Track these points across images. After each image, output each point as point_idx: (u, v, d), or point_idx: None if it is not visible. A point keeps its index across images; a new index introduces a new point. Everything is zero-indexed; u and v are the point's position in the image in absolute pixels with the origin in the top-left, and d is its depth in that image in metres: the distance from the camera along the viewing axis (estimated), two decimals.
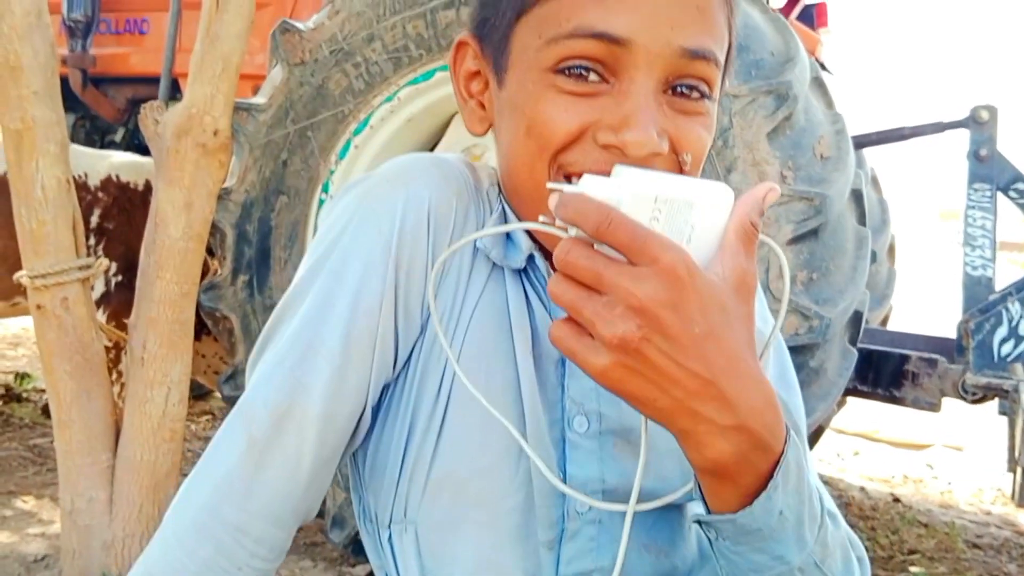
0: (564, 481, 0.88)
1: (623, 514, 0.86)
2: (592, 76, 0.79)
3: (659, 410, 0.68)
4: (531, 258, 0.90)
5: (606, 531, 0.91)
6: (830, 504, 0.89)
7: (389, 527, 0.91)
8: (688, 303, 0.64)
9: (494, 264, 0.90)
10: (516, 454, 0.88)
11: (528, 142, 0.82)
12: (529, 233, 0.90)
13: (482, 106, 0.93)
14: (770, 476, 0.71)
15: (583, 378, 0.89)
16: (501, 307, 0.90)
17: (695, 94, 0.81)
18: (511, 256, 0.90)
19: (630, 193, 0.66)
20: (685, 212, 0.67)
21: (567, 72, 0.79)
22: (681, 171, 0.82)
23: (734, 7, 0.85)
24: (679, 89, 0.80)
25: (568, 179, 0.81)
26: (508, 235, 0.91)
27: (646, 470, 0.85)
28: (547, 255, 0.90)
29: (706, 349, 0.66)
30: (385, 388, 0.90)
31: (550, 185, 0.70)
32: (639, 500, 0.83)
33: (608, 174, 0.73)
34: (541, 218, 0.71)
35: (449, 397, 0.88)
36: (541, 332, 0.90)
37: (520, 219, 0.90)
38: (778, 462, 0.71)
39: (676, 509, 0.95)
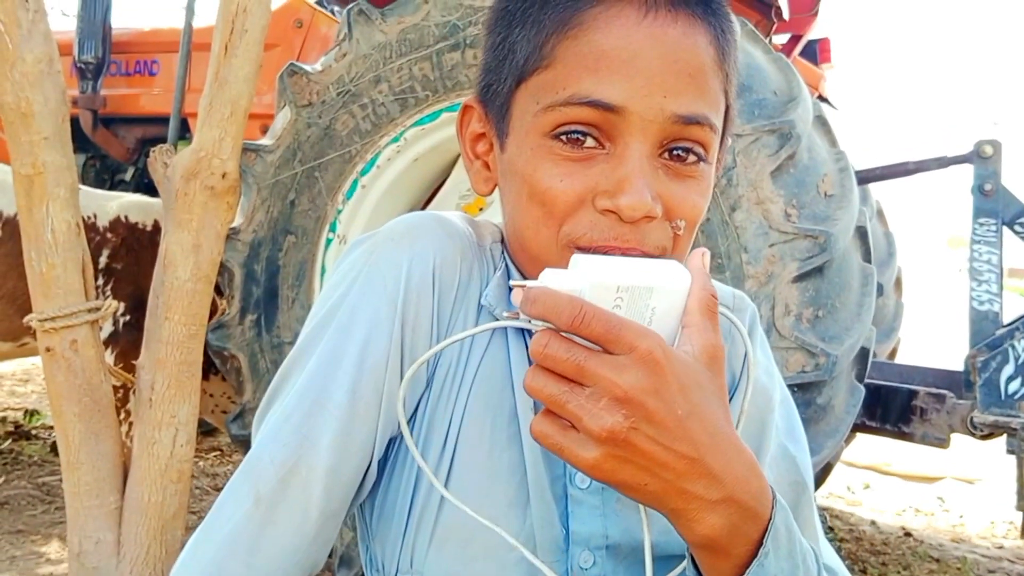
0: (567, 535, 0.89)
1: (626, 570, 0.87)
2: (588, 141, 0.81)
3: (650, 493, 0.69)
4: None
5: None
6: (829, 558, 0.90)
7: None
8: (669, 386, 0.66)
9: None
10: (522, 506, 0.89)
11: (532, 208, 0.84)
12: None
13: (487, 167, 0.95)
14: (760, 543, 0.72)
15: None
16: (504, 363, 0.91)
17: (691, 157, 0.83)
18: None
19: (591, 283, 0.69)
20: (645, 297, 0.70)
21: (564, 138, 0.82)
22: (675, 236, 0.84)
23: (729, 74, 0.87)
24: (675, 152, 0.82)
25: (580, 250, 0.82)
26: (511, 291, 0.92)
27: (649, 524, 0.86)
28: None
29: (690, 428, 0.67)
30: (391, 441, 0.91)
31: (512, 283, 0.73)
32: (634, 554, 0.86)
33: (608, 249, 0.79)
34: (505, 313, 0.74)
35: (455, 450, 0.89)
36: None
37: (523, 274, 0.92)
38: (767, 528, 0.73)
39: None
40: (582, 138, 0.81)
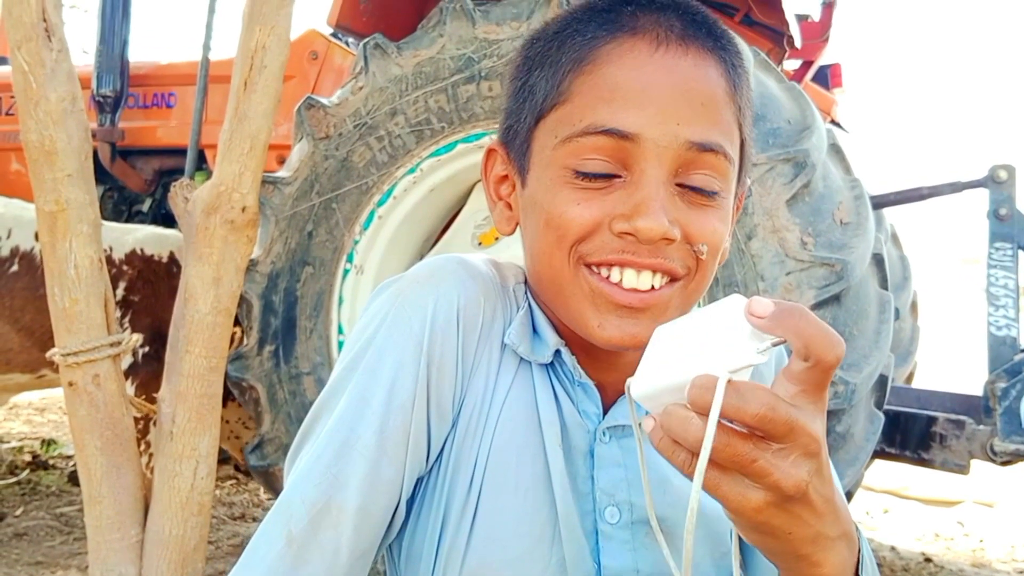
0: (599, 572, 0.91)
1: None
2: (605, 171, 0.84)
3: (788, 540, 0.70)
4: (557, 353, 0.93)
5: None
6: None
7: None
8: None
9: (521, 359, 0.93)
10: (549, 543, 0.90)
11: (547, 234, 0.87)
12: (555, 328, 0.93)
13: (509, 207, 0.98)
14: (857, 569, 0.76)
15: (612, 468, 0.92)
16: (529, 401, 0.93)
17: (708, 187, 0.85)
18: (538, 351, 0.93)
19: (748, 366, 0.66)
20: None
21: (582, 169, 0.84)
22: (697, 261, 0.86)
23: (743, 107, 0.90)
24: (690, 187, 0.84)
25: (589, 268, 0.85)
26: (535, 330, 0.94)
27: (678, 560, 0.87)
28: (574, 348, 0.93)
29: (829, 472, 0.70)
30: (419, 481, 0.92)
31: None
32: None
33: (623, 264, 0.81)
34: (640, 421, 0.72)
35: (481, 488, 0.90)
36: (569, 425, 0.93)
37: (545, 313, 0.94)
38: (859, 553, 0.76)
39: None
40: (599, 168, 0.84)
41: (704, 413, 0.63)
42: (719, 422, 0.63)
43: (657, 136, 0.81)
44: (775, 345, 0.65)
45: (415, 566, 0.93)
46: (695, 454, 0.64)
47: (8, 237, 3.31)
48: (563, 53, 0.88)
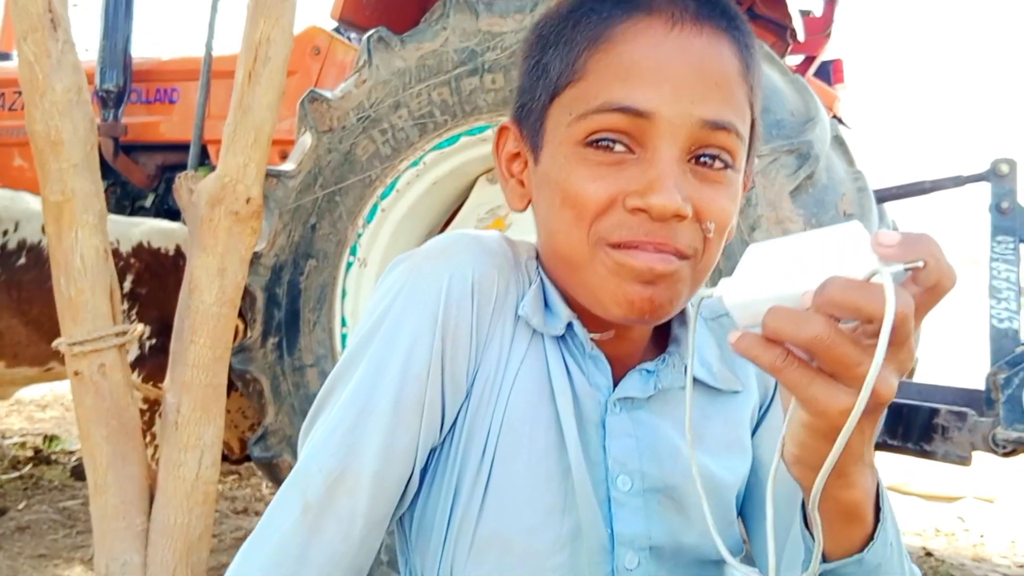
0: (612, 538, 0.92)
1: (670, 571, 0.91)
2: (619, 147, 0.85)
3: (848, 453, 0.71)
4: (570, 326, 0.94)
5: None
6: None
7: None
8: None
9: (534, 332, 0.94)
10: (561, 511, 0.91)
11: (564, 212, 0.87)
12: (567, 302, 0.94)
13: (521, 184, 0.99)
14: (877, 511, 0.77)
15: (623, 439, 0.94)
16: (542, 372, 0.94)
17: (718, 163, 0.86)
18: (551, 323, 0.94)
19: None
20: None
21: (596, 144, 0.85)
22: (705, 239, 0.86)
23: (755, 87, 0.90)
24: (702, 159, 0.85)
25: (612, 247, 0.85)
26: (547, 303, 0.95)
27: (689, 528, 0.91)
28: (585, 323, 0.94)
29: None
30: (432, 452, 0.94)
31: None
32: (676, 555, 0.92)
33: (639, 245, 0.82)
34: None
35: (494, 458, 0.92)
36: (581, 396, 0.94)
37: (559, 289, 0.95)
38: (878, 493, 0.78)
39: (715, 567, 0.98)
40: (613, 144, 0.85)
41: (840, 314, 0.62)
42: (828, 318, 0.62)
43: (671, 114, 0.82)
44: (907, 270, 0.64)
45: (427, 537, 0.94)
46: (791, 355, 0.65)
47: (16, 230, 3.32)
48: (578, 32, 0.88)
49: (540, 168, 0.93)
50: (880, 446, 2.93)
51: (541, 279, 0.97)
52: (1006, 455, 2.64)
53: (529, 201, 0.98)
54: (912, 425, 2.84)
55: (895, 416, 2.87)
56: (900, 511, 4.56)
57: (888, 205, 4.00)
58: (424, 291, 0.90)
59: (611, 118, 0.84)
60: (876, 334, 0.60)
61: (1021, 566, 4.17)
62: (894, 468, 4.91)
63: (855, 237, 0.65)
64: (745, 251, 0.71)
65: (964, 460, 2.74)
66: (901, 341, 0.63)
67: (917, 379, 4.26)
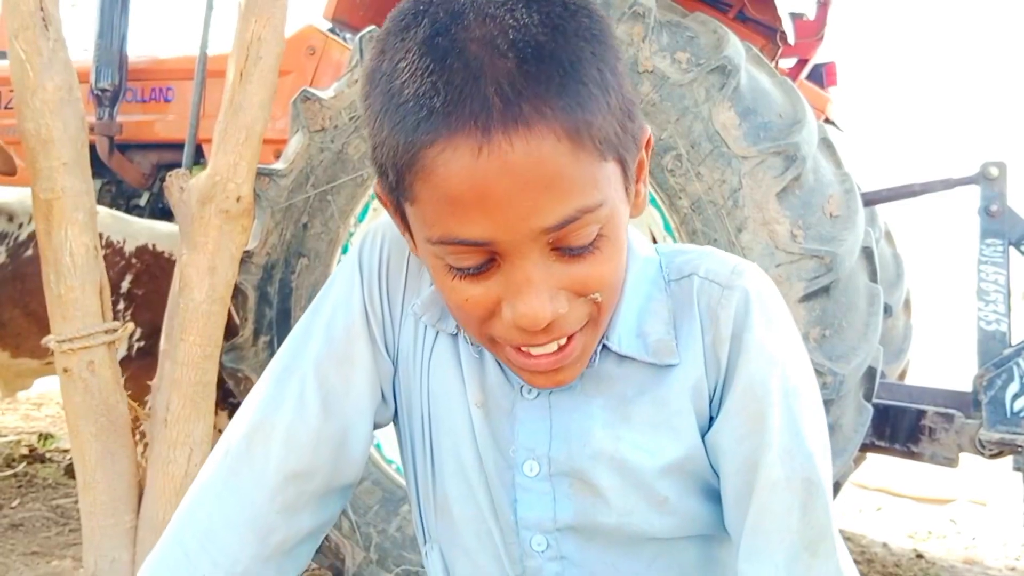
0: (516, 521, 0.97)
1: (586, 551, 0.96)
2: (480, 260, 0.81)
3: None
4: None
5: (572, 567, 0.97)
6: (848, 570, 0.90)
7: (425, 545, 1.06)
8: None
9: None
10: (484, 488, 0.99)
11: (452, 310, 0.89)
12: None
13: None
14: None
15: (535, 423, 0.96)
16: (455, 360, 1.00)
17: (582, 245, 0.81)
18: (446, 323, 0.99)
19: None
20: None
21: (457, 264, 0.82)
22: (596, 305, 0.84)
23: (602, 128, 0.78)
24: (564, 248, 0.80)
25: (508, 346, 0.87)
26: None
27: (607, 509, 0.94)
28: None
29: None
30: (398, 424, 1.06)
31: None
32: (600, 535, 0.95)
33: (529, 345, 0.85)
34: None
35: (431, 431, 1.01)
36: (492, 381, 0.98)
37: None
38: None
39: (692, 543, 0.98)
40: (471, 265, 0.81)
41: None
42: None
43: (511, 237, 0.77)
44: None
45: (414, 497, 1.06)
46: None
47: (30, 223, 3.35)
48: (395, 140, 0.77)
49: (419, 251, 0.89)
50: (868, 447, 2.95)
51: None
52: (992, 456, 2.65)
53: None
54: (899, 426, 2.86)
55: (883, 417, 2.88)
56: (892, 513, 4.57)
57: (879, 208, 4.02)
58: (348, 265, 1.02)
59: (457, 247, 0.79)
60: None
61: (1012, 569, 4.18)
62: (887, 470, 4.92)
63: None
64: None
65: (951, 462, 2.76)
66: None
67: (910, 378, 4.28)
